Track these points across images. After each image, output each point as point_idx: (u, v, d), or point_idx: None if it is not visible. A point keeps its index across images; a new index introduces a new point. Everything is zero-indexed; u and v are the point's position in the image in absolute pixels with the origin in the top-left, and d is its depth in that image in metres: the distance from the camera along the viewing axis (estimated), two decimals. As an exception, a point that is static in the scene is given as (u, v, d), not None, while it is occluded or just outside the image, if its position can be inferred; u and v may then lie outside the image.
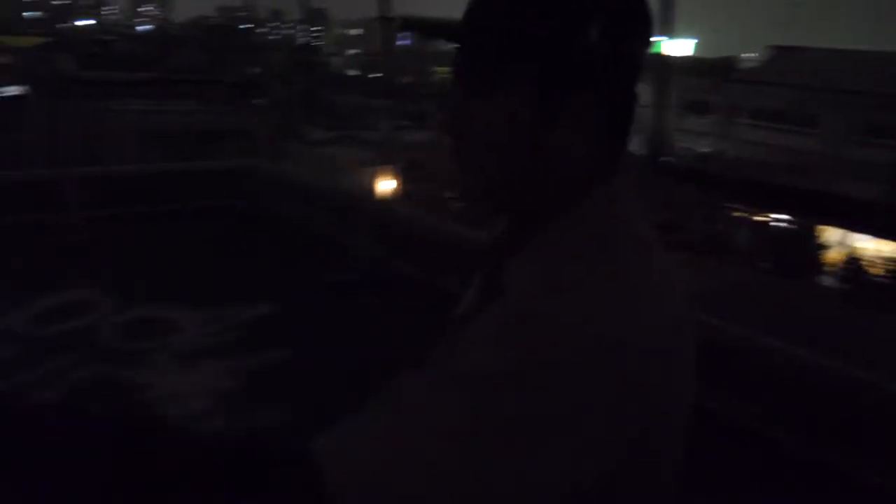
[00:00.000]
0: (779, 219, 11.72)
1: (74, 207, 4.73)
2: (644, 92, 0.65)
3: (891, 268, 9.57)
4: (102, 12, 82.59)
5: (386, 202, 5.76)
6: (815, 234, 11.66)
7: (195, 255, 4.48)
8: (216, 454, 0.53)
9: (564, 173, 0.57)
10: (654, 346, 0.51)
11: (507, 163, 0.57)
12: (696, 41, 26.62)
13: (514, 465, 0.48)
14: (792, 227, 11.41)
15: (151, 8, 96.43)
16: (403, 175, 7.63)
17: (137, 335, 3.54)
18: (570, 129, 0.55)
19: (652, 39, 0.58)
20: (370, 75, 19.95)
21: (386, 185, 6.16)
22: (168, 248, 4.57)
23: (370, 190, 5.84)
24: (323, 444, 0.51)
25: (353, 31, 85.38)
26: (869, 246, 11.11)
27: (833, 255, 11.33)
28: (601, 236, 0.56)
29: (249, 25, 52.20)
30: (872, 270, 9.80)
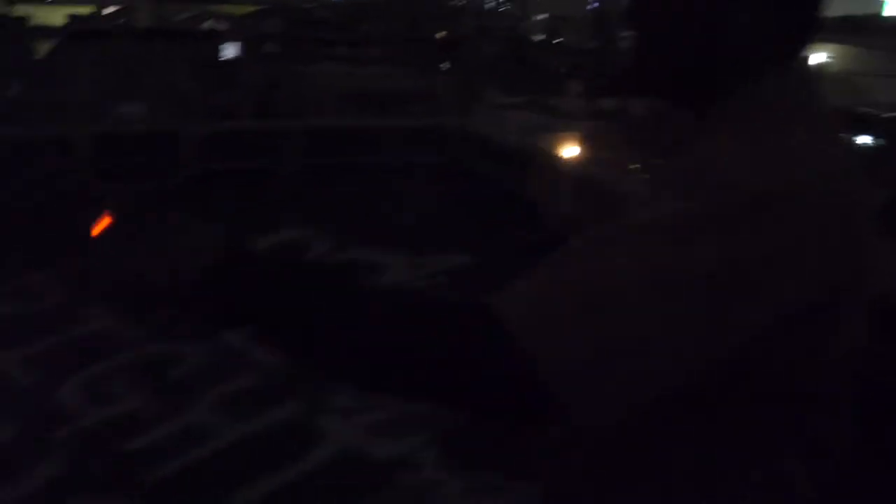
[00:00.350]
0: None
1: (290, 156, 5.21)
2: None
3: None
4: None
5: (575, 167, 5.73)
6: None
7: (398, 206, 4.78)
8: (410, 305, 0.56)
9: (744, 53, 0.57)
10: (840, 208, 0.52)
11: (691, 41, 0.57)
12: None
13: (694, 313, 0.48)
14: None
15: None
16: (589, 142, 7.51)
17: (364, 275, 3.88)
18: (752, 8, 0.56)
19: None
20: (556, 40, 19.56)
21: (572, 151, 6.12)
22: (373, 197, 4.92)
23: (558, 154, 5.84)
24: (501, 295, 0.52)
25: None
26: None
27: None
28: (781, 115, 0.56)
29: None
30: None
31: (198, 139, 5.16)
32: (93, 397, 2.72)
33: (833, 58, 12.26)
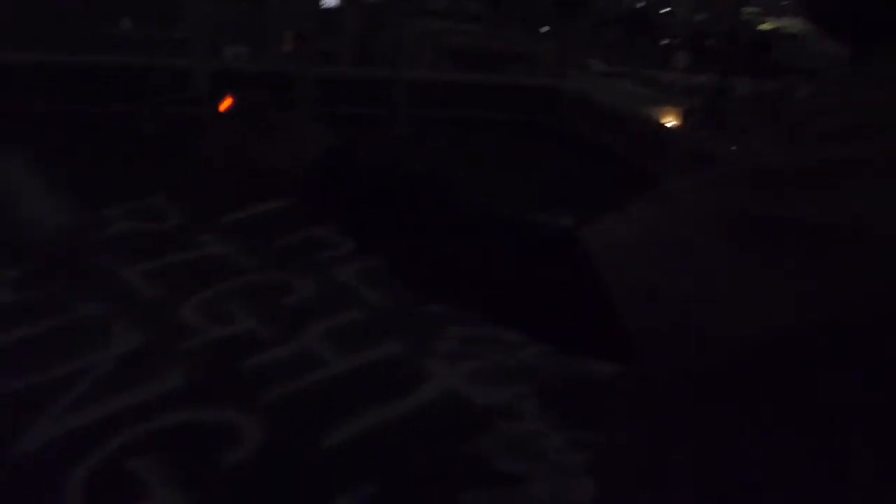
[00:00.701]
0: None
1: (402, 106, 5.24)
2: None
3: None
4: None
5: (678, 139, 5.56)
6: None
7: (504, 163, 4.74)
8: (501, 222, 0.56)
9: None
10: None
11: None
12: None
13: (776, 267, 0.46)
14: None
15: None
16: (687, 120, 7.27)
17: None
18: None
19: None
20: (661, 10, 18.77)
21: (676, 122, 5.95)
22: (480, 152, 4.90)
23: (663, 124, 5.68)
24: (589, 228, 0.52)
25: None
26: None
27: None
28: None
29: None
30: None
31: (309, 82, 5.24)
32: (212, 316, 2.84)
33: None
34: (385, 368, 2.66)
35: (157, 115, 4.83)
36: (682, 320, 0.48)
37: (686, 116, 6.13)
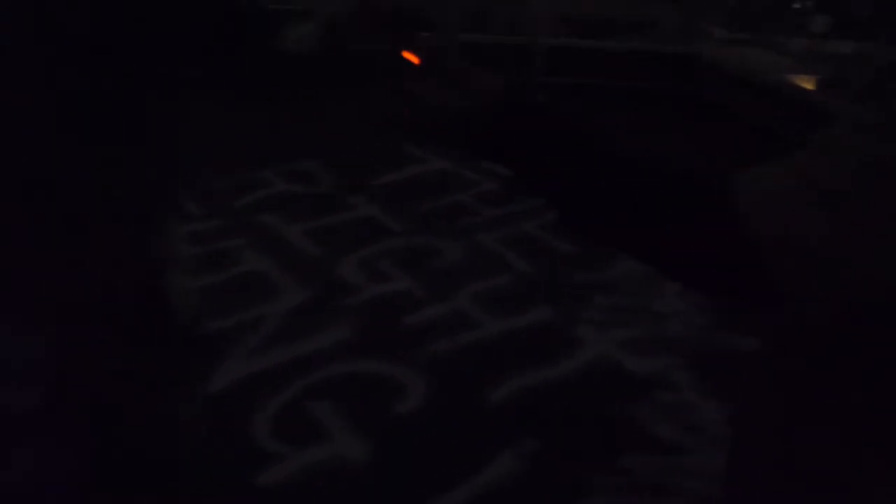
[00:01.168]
0: None
1: (539, 73, 5.21)
2: None
3: None
4: None
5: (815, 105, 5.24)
6: None
7: (643, 130, 4.64)
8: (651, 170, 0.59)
9: None
10: None
11: None
12: None
13: None
14: None
15: None
16: (823, 91, 6.79)
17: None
18: None
19: None
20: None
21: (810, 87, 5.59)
22: (618, 119, 4.81)
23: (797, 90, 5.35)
24: (741, 176, 0.52)
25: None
26: None
27: None
28: None
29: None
30: None
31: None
32: (368, 275, 2.98)
33: None
34: (537, 332, 2.71)
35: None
36: (831, 271, 0.48)
37: (826, 87, 5.75)
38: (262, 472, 1.98)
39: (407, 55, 0.68)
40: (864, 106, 0.52)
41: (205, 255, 2.99)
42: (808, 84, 5.80)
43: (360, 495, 1.97)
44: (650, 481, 2.05)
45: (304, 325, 2.63)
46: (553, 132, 0.66)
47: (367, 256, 3.11)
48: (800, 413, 0.61)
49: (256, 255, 3.06)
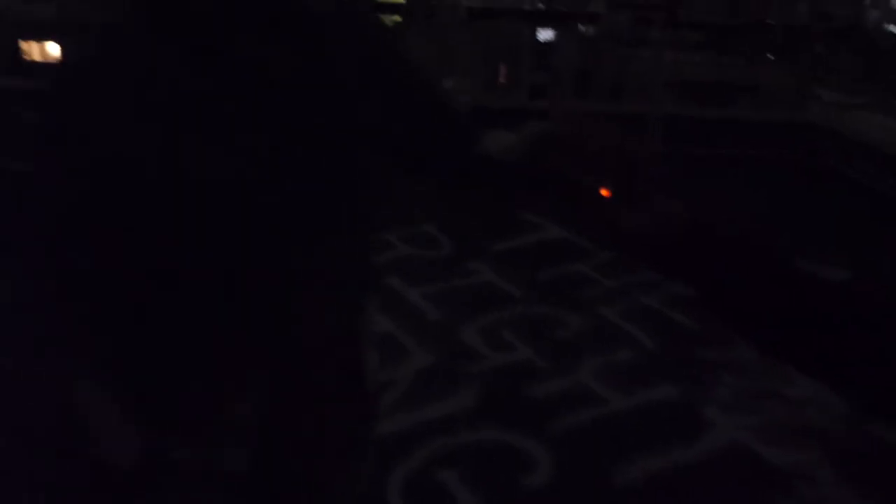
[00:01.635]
0: None
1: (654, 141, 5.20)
2: None
3: None
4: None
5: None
6: None
7: (764, 202, 4.52)
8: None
9: None
10: None
11: None
12: None
13: None
14: None
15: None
16: None
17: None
18: None
19: None
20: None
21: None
22: (736, 190, 4.73)
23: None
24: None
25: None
26: None
27: None
28: None
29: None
30: None
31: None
32: (491, 342, 3.02)
33: None
34: (663, 411, 2.65)
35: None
36: None
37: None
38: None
39: (604, 191, 0.72)
40: None
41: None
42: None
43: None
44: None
45: (430, 391, 2.68)
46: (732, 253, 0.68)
47: (489, 323, 3.15)
48: None
49: (382, 316, 3.16)
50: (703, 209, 4.03)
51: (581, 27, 5.76)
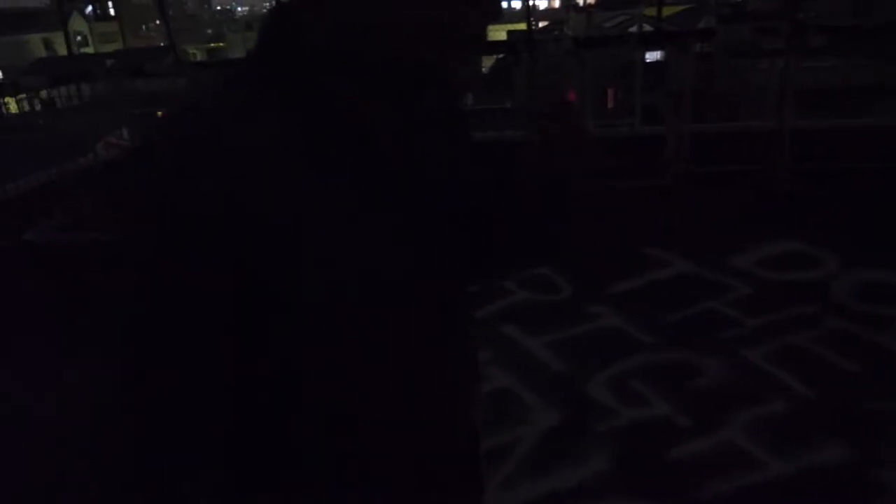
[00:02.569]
0: None
1: (785, 159, 4.77)
2: None
3: None
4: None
5: None
6: None
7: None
8: None
9: None
10: None
11: None
12: None
13: None
14: None
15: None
16: None
17: (875, 298, 3.33)
18: None
19: None
20: None
21: None
22: (879, 209, 4.21)
23: None
24: None
25: None
26: None
27: None
28: None
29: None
30: None
31: (680, 141, 5.06)
32: (621, 396, 2.76)
33: None
34: (833, 477, 2.28)
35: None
36: None
37: None
38: None
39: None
40: None
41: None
42: None
43: None
44: None
45: (558, 453, 2.46)
46: None
47: (618, 374, 2.90)
48: None
49: (502, 370, 2.99)
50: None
51: (695, 46, 5.41)
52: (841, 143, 5.14)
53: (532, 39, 5.18)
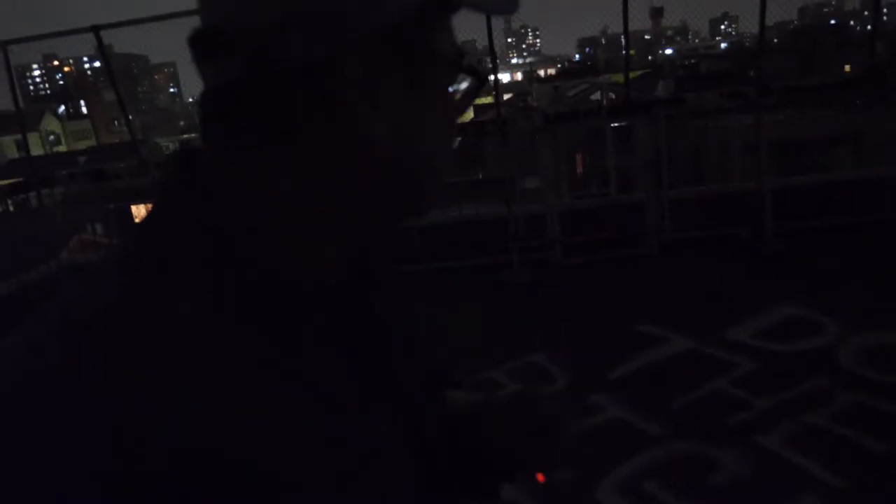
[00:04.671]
0: None
1: (769, 220, 4.66)
2: None
3: None
4: (681, 40, 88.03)
5: None
6: None
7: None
8: None
9: None
10: None
11: None
12: None
13: None
14: None
15: (727, 27, 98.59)
16: None
17: (886, 364, 3.14)
18: None
19: None
20: None
21: None
22: (874, 265, 4.09)
23: None
24: None
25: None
26: None
27: None
28: None
29: (837, 22, 47.83)
30: None
31: (659, 208, 4.96)
32: (635, 500, 2.49)
33: None
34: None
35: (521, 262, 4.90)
36: None
37: None
38: None
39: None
40: None
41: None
42: None
43: None
44: None
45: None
46: None
47: (628, 475, 2.64)
48: None
49: (501, 480, 2.71)
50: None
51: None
52: (821, 198, 5.08)
53: (501, 117, 5.12)
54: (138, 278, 0.47)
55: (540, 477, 0.69)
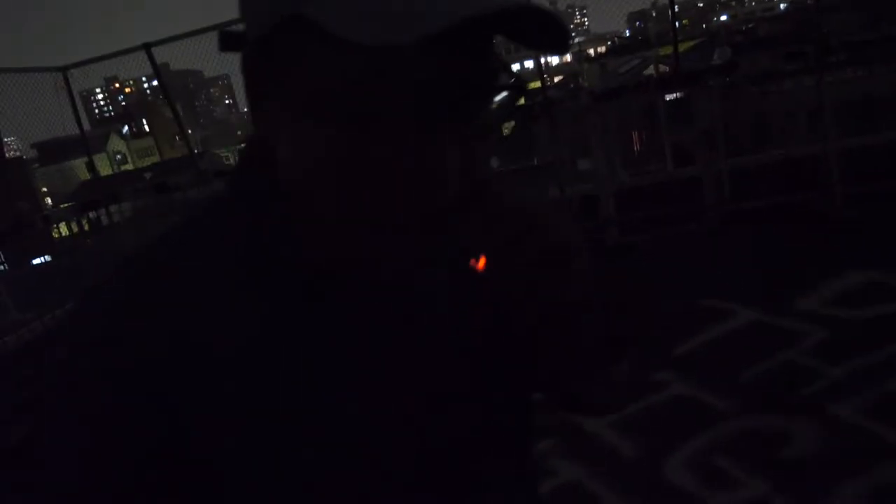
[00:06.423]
0: None
1: (837, 184, 4.48)
2: None
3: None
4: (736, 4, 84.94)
5: None
6: None
7: None
8: None
9: None
10: None
11: None
12: None
13: None
14: None
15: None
16: None
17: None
18: None
19: None
20: None
21: None
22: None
23: None
24: None
25: None
26: None
27: None
28: None
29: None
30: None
31: (717, 179, 4.82)
32: (705, 476, 2.45)
33: None
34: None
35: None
36: None
37: None
38: None
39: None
40: None
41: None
42: None
43: None
44: None
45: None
46: None
47: (697, 451, 2.60)
48: None
49: (569, 462, 2.71)
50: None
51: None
52: (888, 158, 4.84)
53: (548, 99, 5.07)
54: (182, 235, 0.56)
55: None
